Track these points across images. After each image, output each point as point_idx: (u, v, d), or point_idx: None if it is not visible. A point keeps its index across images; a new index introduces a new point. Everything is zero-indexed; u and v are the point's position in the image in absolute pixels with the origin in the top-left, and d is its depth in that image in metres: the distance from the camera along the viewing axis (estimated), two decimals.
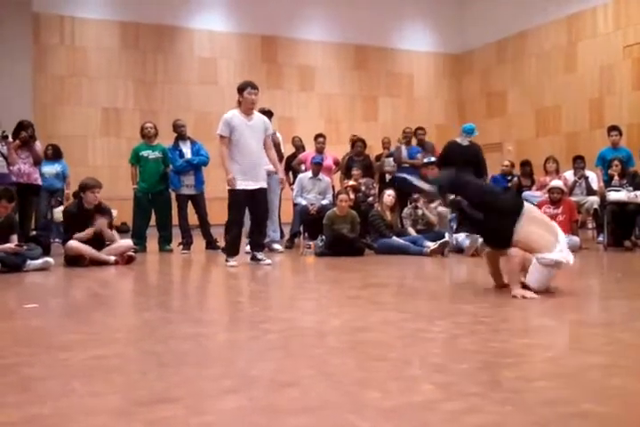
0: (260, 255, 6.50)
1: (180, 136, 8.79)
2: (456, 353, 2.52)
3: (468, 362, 2.34)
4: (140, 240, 8.21)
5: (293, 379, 2.13)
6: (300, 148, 10.81)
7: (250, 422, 1.72)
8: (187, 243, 8.43)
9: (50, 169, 9.29)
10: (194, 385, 2.07)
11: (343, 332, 2.99)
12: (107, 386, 2.08)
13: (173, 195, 8.69)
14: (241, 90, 6.41)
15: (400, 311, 3.55)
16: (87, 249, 6.57)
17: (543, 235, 4.04)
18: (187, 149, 8.68)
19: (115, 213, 8.09)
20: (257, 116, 6.55)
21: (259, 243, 6.72)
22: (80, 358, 2.45)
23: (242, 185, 6.33)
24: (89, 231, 6.69)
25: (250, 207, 6.53)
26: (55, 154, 9.55)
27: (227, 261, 6.38)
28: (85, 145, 14.16)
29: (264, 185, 6.53)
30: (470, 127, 9.16)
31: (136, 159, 8.62)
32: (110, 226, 7.01)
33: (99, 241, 6.73)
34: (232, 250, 6.47)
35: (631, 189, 8.23)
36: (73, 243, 6.57)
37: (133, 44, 14.65)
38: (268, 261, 6.46)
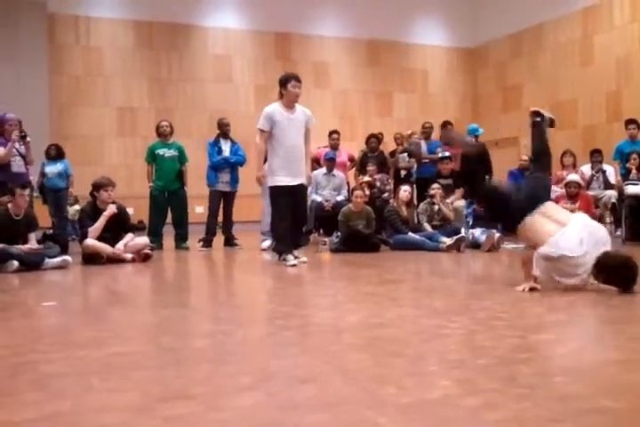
0: (296, 253, 6.29)
1: (223, 134, 8.88)
2: (473, 349, 2.51)
3: (485, 358, 2.33)
4: (156, 238, 8.28)
5: (310, 375, 2.13)
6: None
7: (267, 418, 1.73)
8: (207, 240, 8.48)
9: (52, 169, 9.37)
10: (212, 382, 2.08)
11: (360, 328, 2.99)
12: (125, 383, 2.09)
13: (206, 191, 8.77)
14: (284, 82, 6.13)
15: (416, 307, 3.55)
16: (104, 247, 6.63)
17: (544, 225, 3.97)
18: (226, 147, 8.81)
19: (131, 211, 8.16)
20: (299, 109, 6.28)
21: (297, 241, 6.50)
22: (98, 356, 2.48)
23: (283, 181, 6.13)
24: (101, 220, 6.72)
25: (289, 204, 6.23)
26: (57, 153, 9.61)
27: (284, 260, 6.08)
28: (102, 144, 14.25)
29: (304, 181, 6.34)
30: (473, 127, 10.07)
31: (152, 157, 8.70)
32: (127, 225, 7.07)
33: (114, 238, 6.77)
34: (285, 247, 6.21)
35: None
36: (90, 241, 6.63)
37: (148, 43, 14.72)
38: (305, 259, 6.25)
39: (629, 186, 8.22)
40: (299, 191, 6.27)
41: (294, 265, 5.92)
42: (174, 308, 3.76)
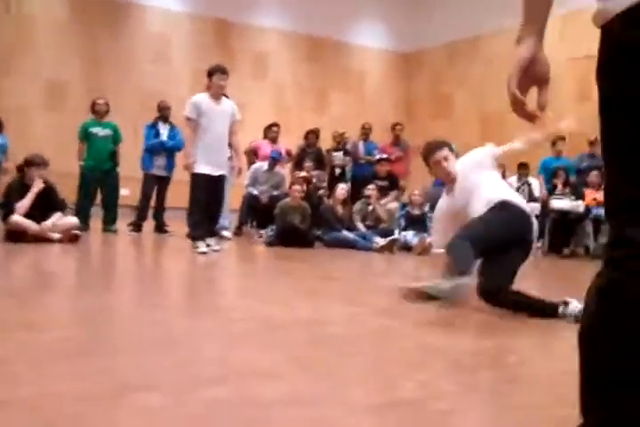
0: (209, 241, 6.33)
1: (163, 117, 8.69)
2: (429, 350, 2.54)
3: (442, 361, 2.36)
4: (83, 219, 7.98)
5: (273, 370, 2.10)
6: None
7: (236, 414, 1.70)
8: (137, 224, 8.28)
9: None
10: (172, 373, 2.02)
11: (309, 323, 2.97)
12: (78, 370, 2.00)
13: (140, 174, 8.56)
14: (210, 74, 6.24)
15: (359, 306, 3.57)
16: (31, 225, 6.36)
17: None
18: (164, 131, 8.63)
19: None
20: (225, 101, 6.40)
21: (210, 229, 6.54)
22: (44, 340, 2.36)
23: (204, 169, 6.16)
24: (29, 196, 6.46)
25: (207, 193, 6.29)
26: None
27: (195, 247, 6.11)
28: (29, 118, 13.64)
29: (224, 172, 6.38)
30: None
31: (85, 136, 8.41)
32: (57, 203, 6.82)
33: (42, 216, 6.50)
34: (199, 234, 6.24)
35: (573, 198, 8.51)
36: (16, 217, 6.34)
37: (83, 16, 14.16)
38: (217, 247, 6.32)
39: (555, 200, 8.53)
40: (217, 182, 6.30)
41: (204, 253, 5.98)
42: (107, 294, 3.65)
